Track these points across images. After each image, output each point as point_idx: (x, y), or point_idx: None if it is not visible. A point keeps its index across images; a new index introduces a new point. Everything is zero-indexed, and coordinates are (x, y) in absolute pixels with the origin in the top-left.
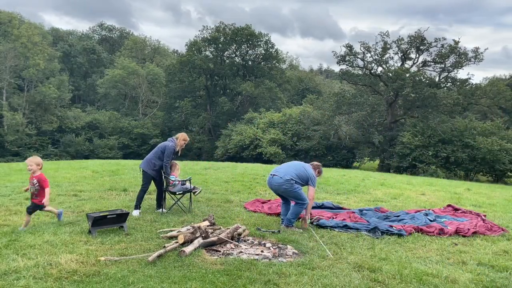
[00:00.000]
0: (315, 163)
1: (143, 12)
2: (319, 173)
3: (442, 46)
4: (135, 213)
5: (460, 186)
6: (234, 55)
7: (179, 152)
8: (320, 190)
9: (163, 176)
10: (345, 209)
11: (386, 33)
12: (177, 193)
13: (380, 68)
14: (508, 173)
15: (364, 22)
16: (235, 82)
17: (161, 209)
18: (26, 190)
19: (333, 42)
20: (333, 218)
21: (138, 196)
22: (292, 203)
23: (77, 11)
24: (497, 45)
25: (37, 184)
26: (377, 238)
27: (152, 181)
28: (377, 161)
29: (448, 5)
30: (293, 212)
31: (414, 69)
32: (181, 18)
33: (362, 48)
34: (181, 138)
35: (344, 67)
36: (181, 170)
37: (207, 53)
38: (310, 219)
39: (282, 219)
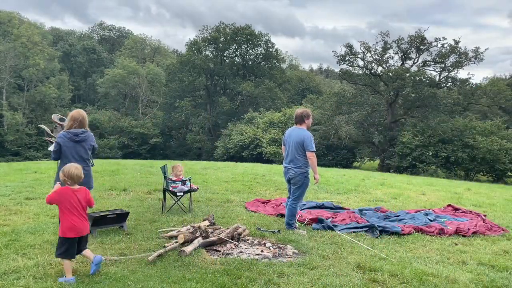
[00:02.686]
0: (300, 111)
1: (110, 11)
2: (308, 117)
3: (442, 46)
4: None
5: (460, 186)
6: (234, 54)
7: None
8: (320, 190)
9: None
10: (345, 209)
11: (386, 33)
12: (177, 193)
13: (380, 68)
14: (508, 173)
15: (336, 22)
16: (235, 82)
17: None
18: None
19: (299, 40)
20: (333, 218)
21: None
22: (282, 200)
23: (37, 7)
24: (478, 45)
25: None
26: (376, 237)
27: None
28: (377, 161)
29: (420, 6)
30: (289, 214)
31: (414, 68)
32: (142, 14)
33: (362, 47)
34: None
35: (344, 66)
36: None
37: (207, 52)
38: (303, 222)
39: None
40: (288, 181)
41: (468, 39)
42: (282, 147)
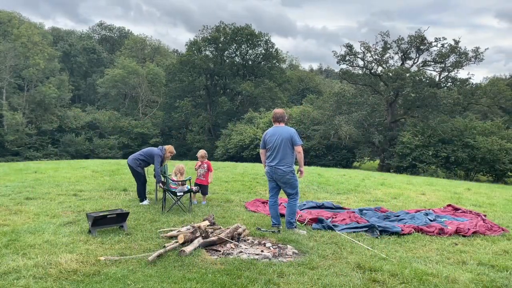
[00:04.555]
0: (281, 111)
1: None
2: (285, 116)
3: (443, 46)
4: (145, 202)
5: (460, 186)
6: (234, 54)
7: (164, 162)
8: (320, 190)
9: (146, 173)
10: (345, 209)
11: (387, 33)
12: (177, 193)
13: (380, 68)
14: (508, 173)
15: (326, 21)
16: (235, 81)
17: (145, 201)
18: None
19: (292, 40)
20: (333, 218)
21: (140, 191)
22: (282, 201)
23: (27, 6)
24: (473, 45)
25: (206, 167)
26: (376, 237)
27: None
28: (377, 161)
29: (420, 6)
30: (290, 213)
31: (414, 68)
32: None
33: (362, 47)
34: (168, 151)
35: (344, 66)
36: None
37: (207, 52)
38: (303, 222)
39: (273, 222)
40: (274, 181)
41: (465, 38)
42: (262, 150)
